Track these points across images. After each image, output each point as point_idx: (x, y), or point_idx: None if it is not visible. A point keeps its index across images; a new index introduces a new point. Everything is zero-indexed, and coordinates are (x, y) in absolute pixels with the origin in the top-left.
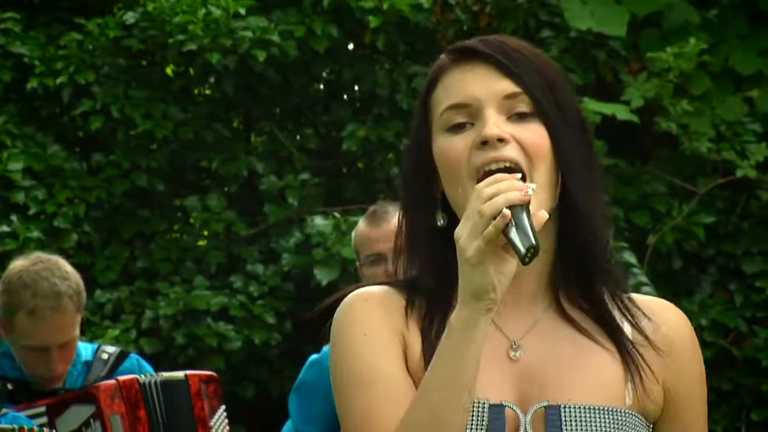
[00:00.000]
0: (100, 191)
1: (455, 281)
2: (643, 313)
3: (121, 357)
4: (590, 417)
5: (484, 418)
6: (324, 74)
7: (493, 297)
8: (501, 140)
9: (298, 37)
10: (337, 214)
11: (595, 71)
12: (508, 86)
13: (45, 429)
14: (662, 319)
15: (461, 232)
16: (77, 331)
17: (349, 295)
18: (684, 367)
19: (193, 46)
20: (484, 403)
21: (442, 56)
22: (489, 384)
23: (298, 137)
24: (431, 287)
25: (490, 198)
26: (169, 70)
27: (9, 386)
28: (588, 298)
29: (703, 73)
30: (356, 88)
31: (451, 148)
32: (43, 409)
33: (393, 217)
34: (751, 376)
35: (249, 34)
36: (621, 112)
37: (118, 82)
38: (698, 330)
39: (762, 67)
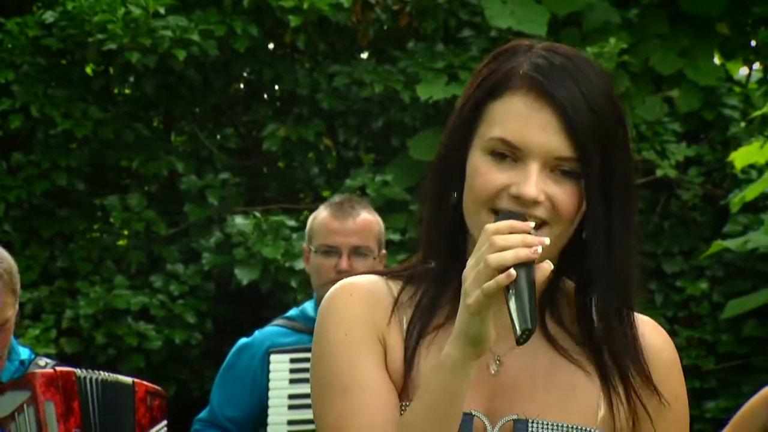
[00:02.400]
0: (20, 191)
1: (444, 284)
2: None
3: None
4: None
5: None
6: (244, 74)
7: (487, 346)
8: (535, 203)
9: (218, 36)
10: (257, 214)
11: None
12: (563, 149)
13: None
14: (643, 337)
15: (468, 275)
16: (12, 315)
17: (335, 287)
18: (660, 385)
19: (112, 46)
20: None
21: (520, 71)
22: None
23: (218, 137)
24: (433, 277)
25: (500, 249)
26: (88, 70)
27: None
28: (580, 323)
29: (623, 72)
30: (276, 87)
31: (486, 175)
32: None
33: (359, 215)
34: None
35: (169, 33)
36: None
37: (38, 81)
38: None
39: (682, 67)
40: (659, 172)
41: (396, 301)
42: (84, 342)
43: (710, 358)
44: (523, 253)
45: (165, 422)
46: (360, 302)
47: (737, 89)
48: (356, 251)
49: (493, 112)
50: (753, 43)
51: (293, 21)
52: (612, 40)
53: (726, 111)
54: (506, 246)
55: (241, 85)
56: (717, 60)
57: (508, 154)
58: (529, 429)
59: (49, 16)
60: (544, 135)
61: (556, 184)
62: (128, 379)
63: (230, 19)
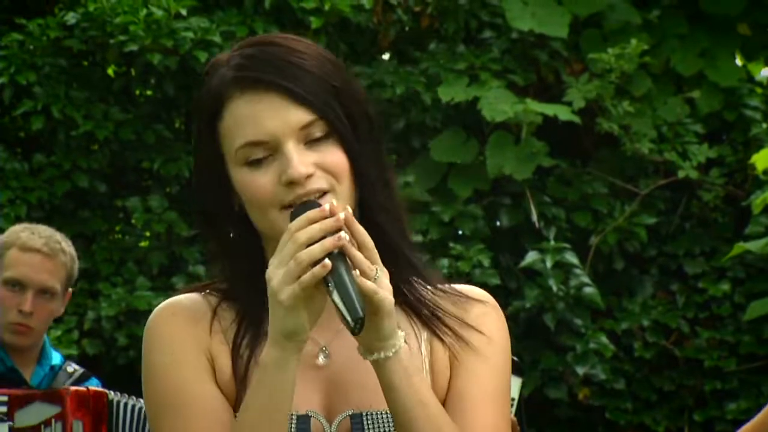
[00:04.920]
0: (42, 192)
1: (259, 292)
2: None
3: (84, 377)
4: (391, 421)
5: (291, 430)
6: None
7: (304, 338)
8: (308, 177)
9: (239, 37)
10: None
11: (536, 72)
12: (302, 116)
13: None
14: (455, 298)
15: (273, 274)
16: (59, 289)
17: (158, 308)
18: (466, 335)
19: (134, 47)
20: (291, 415)
21: (226, 80)
22: (297, 394)
23: None
24: (241, 296)
25: (306, 244)
26: (110, 71)
27: None
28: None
29: (644, 73)
30: None
31: (254, 184)
32: (5, 398)
33: None
34: (693, 376)
35: (190, 34)
36: (563, 113)
37: (59, 82)
38: (639, 330)
39: (703, 68)
40: (681, 173)
41: (214, 313)
42: (105, 343)
43: (732, 359)
44: (329, 243)
45: None
46: (182, 320)
47: (759, 90)
48: None
49: (225, 128)
50: None
51: (314, 22)
52: (633, 41)
53: (747, 112)
54: (309, 239)
55: None
56: (738, 61)
57: (262, 156)
58: (364, 422)
59: (71, 18)
60: (278, 116)
61: (318, 151)
62: None
63: (251, 20)
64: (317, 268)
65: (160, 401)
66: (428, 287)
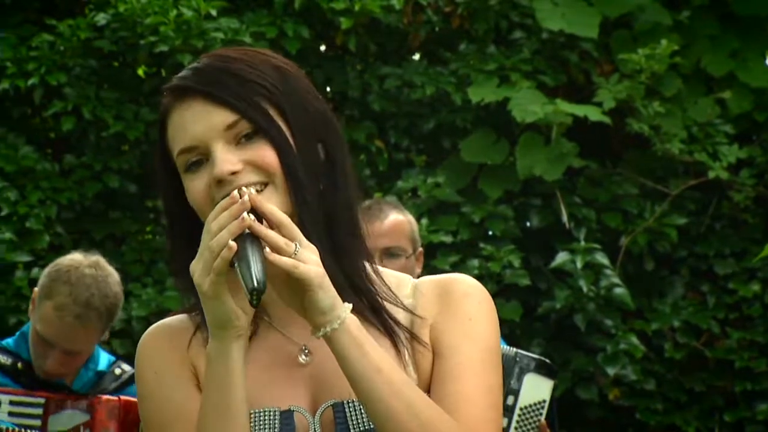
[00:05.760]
0: (72, 192)
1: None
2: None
3: (131, 380)
4: None
5: (276, 426)
6: None
7: (238, 324)
8: (233, 173)
9: (269, 38)
10: None
11: (566, 73)
12: (225, 117)
13: (23, 430)
14: (434, 288)
15: (195, 268)
16: (90, 347)
17: (144, 333)
18: (446, 319)
19: (164, 48)
20: (275, 412)
21: (165, 96)
22: (280, 392)
23: None
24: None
25: (218, 232)
26: (140, 72)
27: (19, 365)
28: (355, 293)
29: (674, 74)
30: (327, 89)
31: (192, 189)
32: (42, 400)
33: (387, 217)
34: (723, 377)
35: (220, 35)
36: (593, 114)
37: (90, 83)
38: (670, 331)
39: (733, 69)
40: (711, 174)
41: (197, 328)
42: (135, 344)
43: (762, 360)
44: (234, 227)
45: None
46: (164, 339)
47: None
48: (388, 252)
49: (169, 142)
50: None
51: (344, 23)
52: (663, 42)
53: None
54: (219, 227)
55: None
56: None
57: (196, 159)
58: (346, 410)
59: (101, 19)
60: (203, 120)
61: (248, 149)
62: None
63: (281, 20)
64: (224, 251)
65: (150, 418)
66: (396, 296)
